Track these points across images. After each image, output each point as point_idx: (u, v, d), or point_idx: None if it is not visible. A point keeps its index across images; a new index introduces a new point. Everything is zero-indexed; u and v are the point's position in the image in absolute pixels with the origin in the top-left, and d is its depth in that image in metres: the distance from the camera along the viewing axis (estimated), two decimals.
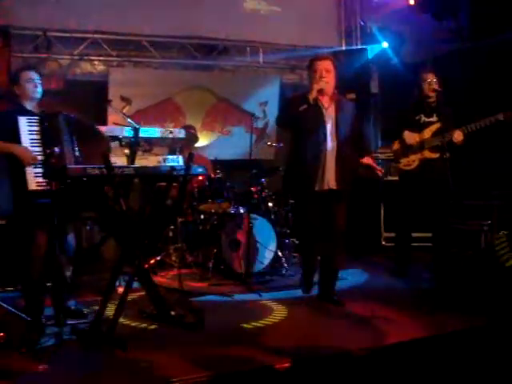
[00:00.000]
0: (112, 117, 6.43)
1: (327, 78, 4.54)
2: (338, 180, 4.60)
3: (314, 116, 4.55)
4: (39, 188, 3.92)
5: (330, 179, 4.58)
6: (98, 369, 3.37)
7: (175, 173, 4.00)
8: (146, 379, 3.22)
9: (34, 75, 4.30)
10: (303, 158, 4.59)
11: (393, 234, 6.40)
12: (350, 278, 5.73)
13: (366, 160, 4.83)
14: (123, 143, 4.46)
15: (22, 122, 4.01)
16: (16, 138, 3.97)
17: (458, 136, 5.33)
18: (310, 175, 4.56)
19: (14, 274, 4.98)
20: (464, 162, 6.13)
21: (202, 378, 3.14)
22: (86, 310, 4.38)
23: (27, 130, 4.02)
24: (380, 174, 4.95)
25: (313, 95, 4.50)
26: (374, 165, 4.88)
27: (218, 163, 6.82)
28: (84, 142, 4.12)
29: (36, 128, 4.05)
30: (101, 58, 7.73)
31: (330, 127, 4.58)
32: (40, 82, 4.30)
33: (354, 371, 3.38)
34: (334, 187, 4.60)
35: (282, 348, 3.67)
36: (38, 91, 4.29)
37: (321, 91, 4.53)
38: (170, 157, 4.23)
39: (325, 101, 4.62)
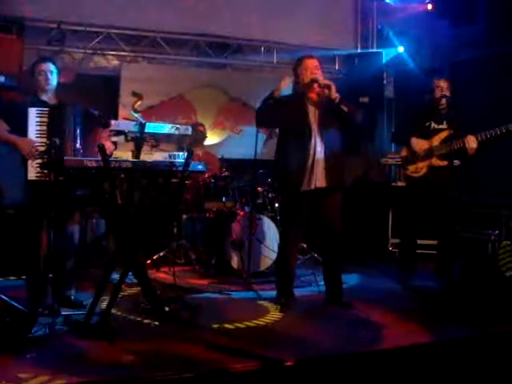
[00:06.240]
0: (123, 111, 6.46)
1: (318, 73, 4.65)
2: (328, 178, 4.59)
3: (298, 114, 4.60)
4: (38, 178, 3.96)
5: (318, 178, 4.57)
6: (84, 359, 3.35)
7: (174, 169, 3.98)
8: (130, 373, 3.20)
9: (45, 67, 4.35)
10: (289, 160, 4.60)
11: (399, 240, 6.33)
12: (351, 281, 5.68)
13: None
14: (128, 138, 4.50)
15: (32, 113, 4.12)
16: (25, 128, 4.07)
17: (472, 143, 5.18)
18: (296, 176, 4.55)
19: (17, 263, 5.03)
20: (474, 171, 6.05)
21: (184, 375, 3.13)
22: (85, 302, 4.35)
23: (35, 122, 4.11)
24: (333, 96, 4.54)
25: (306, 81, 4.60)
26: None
27: (225, 162, 6.81)
28: (92, 134, 4.16)
29: (45, 119, 4.12)
30: (114, 53, 7.74)
31: (315, 126, 4.60)
32: (53, 73, 4.35)
33: (343, 375, 3.35)
34: (323, 185, 4.59)
35: (261, 349, 3.62)
36: (50, 83, 4.34)
37: (314, 80, 4.59)
38: (175, 153, 4.23)
39: (312, 98, 4.67)
